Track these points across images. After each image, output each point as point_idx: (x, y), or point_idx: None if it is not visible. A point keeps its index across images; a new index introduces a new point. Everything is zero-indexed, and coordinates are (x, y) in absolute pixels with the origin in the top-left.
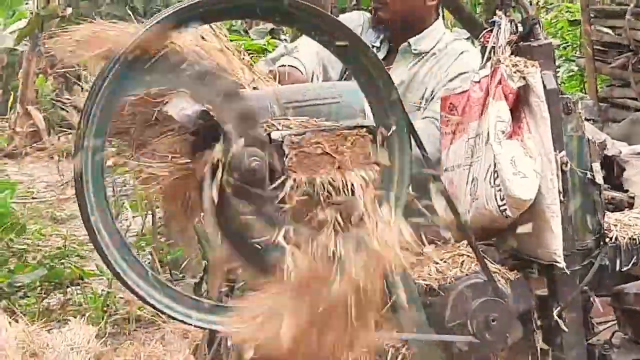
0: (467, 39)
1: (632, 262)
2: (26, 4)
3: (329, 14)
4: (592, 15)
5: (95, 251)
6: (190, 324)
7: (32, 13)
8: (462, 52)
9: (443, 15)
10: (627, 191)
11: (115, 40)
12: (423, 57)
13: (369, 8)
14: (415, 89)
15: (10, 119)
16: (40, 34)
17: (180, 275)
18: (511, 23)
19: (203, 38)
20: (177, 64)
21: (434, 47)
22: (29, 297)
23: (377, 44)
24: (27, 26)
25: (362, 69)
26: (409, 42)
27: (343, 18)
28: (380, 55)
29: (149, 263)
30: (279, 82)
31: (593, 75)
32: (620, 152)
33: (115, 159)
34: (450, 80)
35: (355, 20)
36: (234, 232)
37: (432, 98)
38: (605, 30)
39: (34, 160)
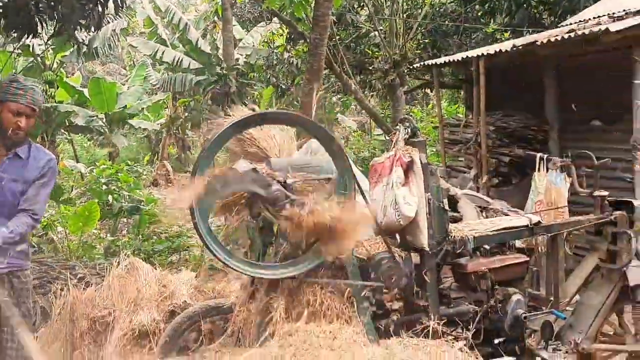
0: None
1: (461, 249)
2: (166, 108)
3: (323, 127)
4: (444, 125)
5: (196, 234)
6: (240, 272)
7: (168, 115)
8: None
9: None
10: (459, 213)
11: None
12: None
13: None
14: None
15: (154, 167)
16: (171, 125)
17: (237, 247)
18: (405, 129)
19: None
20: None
21: None
22: (161, 256)
23: None
24: (165, 122)
25: (333, 152)
26: None
27: None
28: None
29: (222, 239)
30: None
31: (444, 155)
32: (456, 194)
33: None
34: None
35: None
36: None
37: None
38: (450, 132)
39: (166, 188)
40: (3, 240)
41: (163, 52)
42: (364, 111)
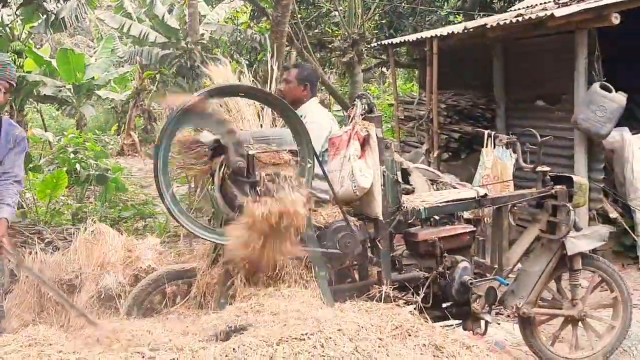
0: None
1: (413, 218)
2: (132, 80)
3: (281, 99)
4: (399, 102)
5: (161, 201)
6: (204, 238)
7: (134, 87)
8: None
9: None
10: (411, 185)
11: (177, 101)
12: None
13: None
14: None
15: (121, 137)
16: (137, 97)
17: (201, 215)
18: (363, 105)
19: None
20: (208, 114)
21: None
22: (127, 223)
23: None
24: (132, 93)
25: (292, 123)
26: None
27: None
28: None
29: (186, 208)
30: None
31: (398, 131)
32: (409, 167)
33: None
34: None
35: None
36: (226, 196)
37: None
38: (405, 109)
39: (132, 157)
40: (11, 217)
41: (130, 26)
42: (323, 87)
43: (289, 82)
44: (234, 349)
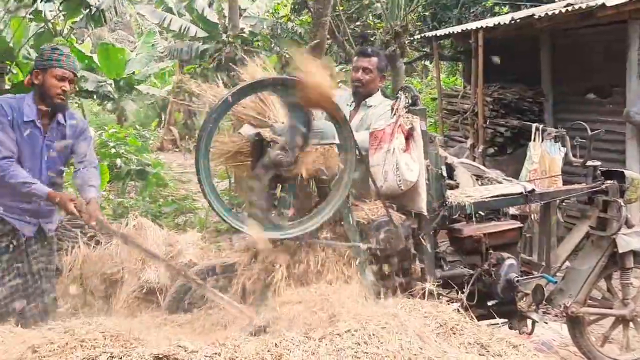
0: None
1: (457, 214)
2: (173, 75)
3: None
4: (442, 95)
5: (203, 196)
6: (244, 232)
7: (175, 82)
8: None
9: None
10: (455, 181)
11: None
12: (370, 107)
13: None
14: (365, 121)
15: (161, 132)
16: (178, 92)
17: (240, 209)
18: (406, 97)
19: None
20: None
21: (373, 104)
22: (167, 218)
23: (352, 100)
24: (172, 88)
25: (336, 121)
26: (365, 101)
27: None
28: (353, 106)
29: (226, 202)
30: None
31: (442, 125)
32: (453, 162)
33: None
34: (379, 116)
35: (344, 94)
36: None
37: (368, 127)
38: (448, 103)
39: (172, 152)
40: (98, 198)
41: (170, 21)
42: None
43: (369, 72)
44: (276, 344)
